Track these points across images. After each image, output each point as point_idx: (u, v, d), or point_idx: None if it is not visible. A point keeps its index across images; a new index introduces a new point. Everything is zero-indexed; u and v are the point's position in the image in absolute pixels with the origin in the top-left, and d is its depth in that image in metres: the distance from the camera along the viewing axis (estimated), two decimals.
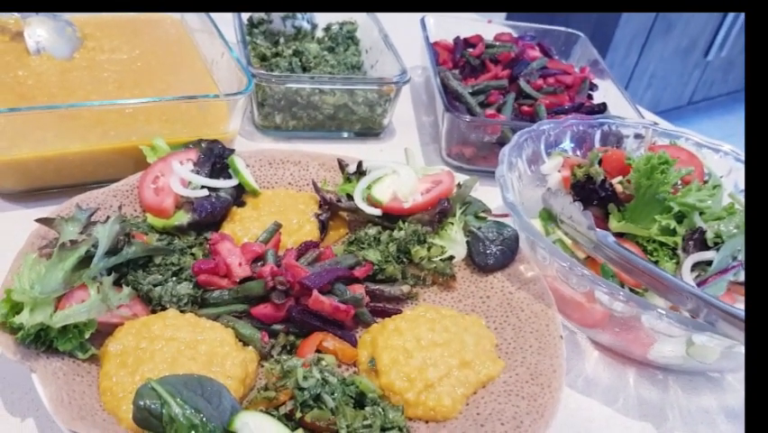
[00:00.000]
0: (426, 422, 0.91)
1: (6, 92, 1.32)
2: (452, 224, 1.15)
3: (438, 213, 1.14)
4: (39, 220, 1.01)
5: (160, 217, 1.12)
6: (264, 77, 1.42)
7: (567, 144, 1.38)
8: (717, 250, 1.15)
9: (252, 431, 0.77)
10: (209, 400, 0.81)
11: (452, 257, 1.12)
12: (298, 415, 0.84)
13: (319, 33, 1.77)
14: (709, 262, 1.16)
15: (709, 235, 1.17)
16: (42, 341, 0.88)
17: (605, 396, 1.04)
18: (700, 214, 1.21)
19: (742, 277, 1.14)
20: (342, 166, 1.26)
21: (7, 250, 1.11)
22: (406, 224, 1.14)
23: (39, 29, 1.47)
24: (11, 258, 1.00)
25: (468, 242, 1.14)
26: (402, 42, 1.64)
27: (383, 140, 1.58)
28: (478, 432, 0.87)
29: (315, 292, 0.99)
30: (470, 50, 1.76)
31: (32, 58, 1.44)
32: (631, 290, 1.14)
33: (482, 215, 1.18)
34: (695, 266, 1.16)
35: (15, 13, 1.51)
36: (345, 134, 1.57)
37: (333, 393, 0.87)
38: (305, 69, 1.58)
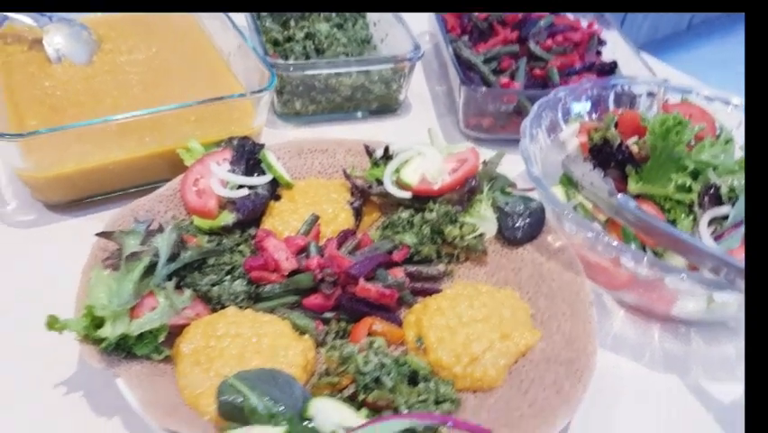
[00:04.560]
0: (474, 392, 1.00)
1: (37, 105, 1.36)
2: (481, 201, 1.21)
3: (467, 192, 1.20)
4: (99, 234, 1.08)
5: (205, 219, 1.19)
6: (282, 66, 1.45)
7: (583, 108, 1.42)
8: (733, 205, 1.22)
9: (327, 415, 0.87)
10: (282, 390, 0.90)
11: (483, 234, 1.19)
12: (361, 397, 0.94)
13: None
14: (725, 217, 1.22)
15: (724, 190, 1.23)
16: (122, 348, 0.97)
17: (632, 352, 1.13)
18: (714, 169, 1.26)
19: None
20: (369, 152, 1.31)
21: (62, 258, 1.20)
22: (437, 205, 1.20)
23: (56, 36, 1.50)
24: (64, 265, 1.10)
25: (497, 217, 1.21)
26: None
27: (400, 116, 1.63)
28: (522, 399, 0.96)
29: (362, 281, 1.07)
30: (477, 13, 1.77)
31: (54, 66, 1.47)
32: (652, 250, 1.21)
33: (508, 190, 1.24)
34: (711, 221, 1.23)
35: (30, 21, 1.53)
36: (362, 114, 1.61)
37: (389, 374, 0.96)
38: (318, 51, 1.61)
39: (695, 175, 1.27)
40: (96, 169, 1.26)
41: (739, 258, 1.05)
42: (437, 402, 0.96)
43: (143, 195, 1.31)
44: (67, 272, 1.14)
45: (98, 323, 0.95)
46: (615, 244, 1.08)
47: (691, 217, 1.26)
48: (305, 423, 0.87)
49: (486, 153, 1.29)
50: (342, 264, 1.09)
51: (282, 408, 0.88)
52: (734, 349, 1.14)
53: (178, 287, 1.07)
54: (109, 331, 0.93)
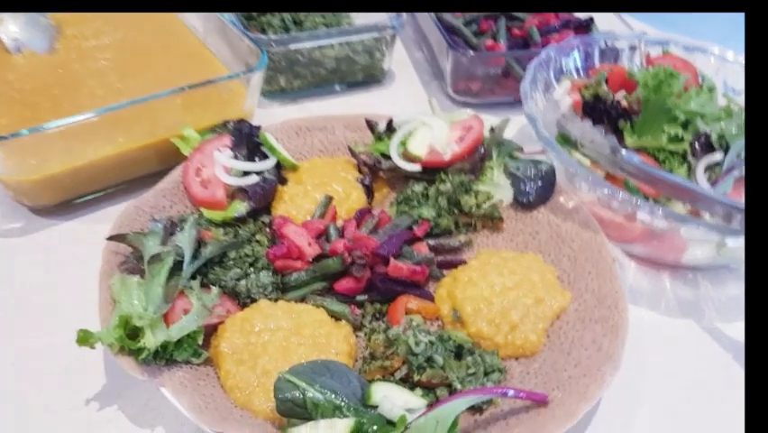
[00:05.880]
0: (517, 359, 1.03)
1: (6, 102, 1.25)
2: (492, 168, 1.22)
3: (478, 160, 1.20)
4: (111, 238, 1.01)
5: (215, 210, 1.14)
6: (264, 42, 1.39)
7: (572, 65, 1.44)
8: (725, 151, 1.28)
9: (392, 400, 0.86)
10: (339, 380, 0.89)
11: (500, 200, 1.19)
12: (416, 377, 0.94)
13: None
14: (717, 163, 1.28)
15: (714, 138, 1.29)
16: (161, 356, 0.92)
17: (649, 302, 1.18)
18: (702, 117, 1.32)
19: (743, 171, 1.27)
20: (371, 126, 1.28)
21: (60, 265, 1.14)
22: (450, 175, 1.20)
23: (11, 25, 1.37)
24: (64, 273, 1.06)
25: (510, 183, 1.21)
26: None
27: (386, 85, 1.60)
28: (566, 360, 0.99)
29: (393, 260, 1.06)
30: None
31: (15, 57, 1.35)
32: (655, 201, 1.26)
33: (516, 154, 1.25)
34: (706, 169, 1.29)
35: None
36: (347, 86, 1.56)
37: (438, 351, 0.96)
38: (296, 23, 1.55)
39: (685, 125, 1.32)
40: (85, 167, 1.18)
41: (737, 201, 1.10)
42: (486, 373, 0.97)
43: (135, 190, 1.25)
44: (68, 280, 1.07)
45: (131, 333, 0.91)
46: (632, 199, 1.11)
47: (685, 166, 1.31)
48: (370, 411, 0.87)
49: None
50: (369, 245, 1.07)
51: (344, 398, 0.87)
52: (739, 290, 1.21)
53: (203, 285, 1.03)
54: (150, 340, 0.89)
